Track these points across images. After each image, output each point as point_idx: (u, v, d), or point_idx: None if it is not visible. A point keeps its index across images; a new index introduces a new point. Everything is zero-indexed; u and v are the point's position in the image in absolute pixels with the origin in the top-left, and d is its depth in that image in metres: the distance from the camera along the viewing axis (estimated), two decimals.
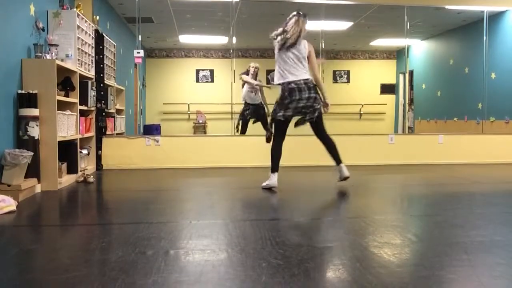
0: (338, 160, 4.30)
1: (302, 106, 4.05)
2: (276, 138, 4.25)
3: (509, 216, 3.20)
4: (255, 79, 7.08)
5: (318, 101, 4.11)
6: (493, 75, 7.46)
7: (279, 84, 4.16)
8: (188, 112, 10.92)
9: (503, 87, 7.29)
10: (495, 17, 7.41)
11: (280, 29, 4.16)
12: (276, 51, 4.20)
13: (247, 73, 7.09)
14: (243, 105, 7.10)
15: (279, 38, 4.16)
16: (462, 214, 3.22)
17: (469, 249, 2.29)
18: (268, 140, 4.41)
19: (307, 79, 4.09)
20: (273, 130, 4.26)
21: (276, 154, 4.21)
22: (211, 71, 11.17)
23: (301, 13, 4.22)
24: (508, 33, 7.28)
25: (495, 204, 3.65)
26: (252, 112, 7.01)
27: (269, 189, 4.16)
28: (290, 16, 4.22)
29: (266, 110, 7.08)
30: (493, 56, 7.39)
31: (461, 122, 8.37)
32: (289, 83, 4.07)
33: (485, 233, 2.65)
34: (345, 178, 4.27)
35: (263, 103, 7.11)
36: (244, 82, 7.04)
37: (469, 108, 8.05)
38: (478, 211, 3.37)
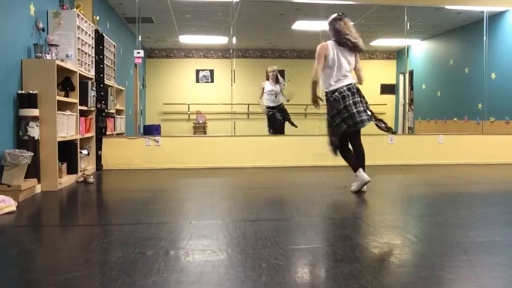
0: (356, 167, 4.10)
1: (361, 110, 3.93)
2: (341, 147, 4.12)
3: (509, 216, 3.20)
4: (276, 81, 7.18)
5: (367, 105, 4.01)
6: (493, 75, 7.46)
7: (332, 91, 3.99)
8: (188, 112, 10.92)
9: (503, 87, 7.29)
10: (495, 17, 7.41)
11: (349, 36, 3.98)
12: (329, 55, 3.98)
13: (267, 77, 7.20)
14: (268, 111, 7.19)
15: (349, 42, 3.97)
16: (462, 214, 3.22)
17: (469, 250, 2.29)
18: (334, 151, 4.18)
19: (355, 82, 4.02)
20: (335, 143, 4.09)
21: (347, 158, 4.10)
22: (211, 71, 11.18)
23: (341, 13, 4.11)
24: (508, 33, 7.28)
25: (495, 204, 3.66)
26: (279, 113, 7.13)
27: (364, 185, 4.02)
28: (331, 21, 4.06)
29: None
30: (493, 56, 7.39)
31: (461, 123, 8.37)
32: (343, 89, 3.94)
33: (485, 233, 2.65)
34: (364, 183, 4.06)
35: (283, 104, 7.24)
36: (262, 89, 7.23)
37: (469, 108, 8.05)
38: (478, 211, 3.37)
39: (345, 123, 3.93)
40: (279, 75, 7.25)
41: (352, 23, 4.04)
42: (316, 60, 4.02)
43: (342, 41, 3.99)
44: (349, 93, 3.93)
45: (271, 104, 7.17)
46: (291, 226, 2.94)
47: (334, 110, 3.96)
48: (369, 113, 4.00)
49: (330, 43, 4.05)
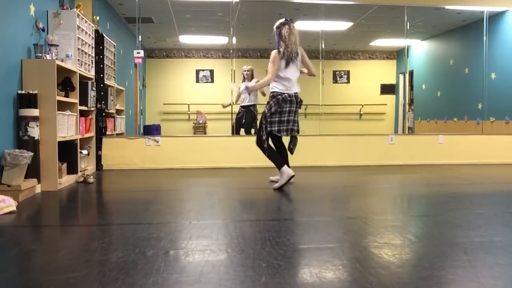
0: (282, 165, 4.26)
1: (293, 119, 4.25)
2: (273, 147, 4.33)
3: (509, 216, 3.20)
4: (250, 81, 7.12)
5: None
6: (493, 75, 7.46)
7: (279, 94, 4.21)
8: (188, 113, 10.92)
9: (503, 87, 7.29)
10: (495, 17, 7.41)
11: (283, 45, 4.18)
12: (278, 63, 4.19)
13: (243, 78, 7.15)
14: (239, 111, 7.16)
15: (284, 53, 4.19)
16: (462, 214, 3.22)
17: (469, 250, 2.29)
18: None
19: (297, 93, 4.28)
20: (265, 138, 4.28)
21: (274, 157, 4.27)
22: (211, 72, 11.18)
23: (289, 19, 4.22)
24: (508, 33, 7.28)
25: (495, 204, 3.66)
26: (245, 114, 7.09)
27: (288, 182, 4.20)
28: (278, 25, 4.20)
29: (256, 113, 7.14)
30: (493, 56, 7.39)
31: (461, 123, 8.37)
32: (289, 95, 4.21)
33: (485, 233, 2.65)
34: (278, 183, 4.21)
35: (255, 104, 7.16)
36: (239, 91, 7.15)
37: (469, 108, 8.06)
38: (478, 211, 3.37)
39: (280, 125, 4.21)
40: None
41: (297, 30, 4.25)
42: (271, 65, 4.21)
43: (280, 47, 4.19)
44: (295, 101, 4.24)
45: (244, 103, 7.08)
46: (291, 226, 2.94)
47: (277, 107, 4.18)
48: (296, 126, 4.31)
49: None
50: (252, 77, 7.10)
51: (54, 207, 3.67)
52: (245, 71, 7.14)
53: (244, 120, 7.10)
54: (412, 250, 2.34)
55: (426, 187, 4.72)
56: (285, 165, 4.21)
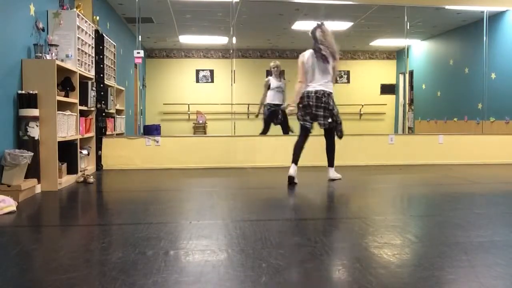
0: (330, 163, 4.79)
1: (320, 114, 4.49)
2: (301, 136, 4.66)
3: (509, 216, 3.21)
4: (279, 78, 7.03)
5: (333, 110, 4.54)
6: (493, 75, 7.46)
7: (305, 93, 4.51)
8: (188, 113, 10.93)
9: (503, 87, 7.29)
10: (495, 17, 7.41)
11: (322, 47, 4.44)
12: (306, 62, 4.51)
13: (270, 73, 7.07)
14: (268, 108, 7.00)
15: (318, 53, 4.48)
16: (462, 214, 3.22)
17: (468, 250, 2.29)
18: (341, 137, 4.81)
19: (327, 91, 4.48)
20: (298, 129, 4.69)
21: (296, 149, 4.60)
22: (211, 71, 11.19)
23: (320, 23, 4.50)
24: (508, 33, 7.28)
25: (495, 204, 3.66)
26: (281, 112, 6.94)
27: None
28: (312, 30, 4.49)
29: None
30: (493, 56, 7.39)
31: (461, 122, 8.38)
32: (310, 92, 4.46)
33: (485, 233, 2.65)
34: (331, 180, 4.76)
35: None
36: (268, 85, 7.01)
37: (469, 108, 8.06)
38: (478, 211, 3.37)
39: (304, 119, 4.56)
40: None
41: (330, 31, 4.54)
42: (298, 71, 4.62)
43: (316, 49, 4.49)
44: (315, 96, 4.45)
45: (277, 102, 6.94)
46: (291, 226, 2.94)
47: (302, 104, 4.54)
48: (327, 121, 4.52)
49: (309, 52, 4.55)
50: (280, 73, 7.03)
51: (54, 207, 3.67)
52: (273, 67, 7.00)
53: (282, 119, 6.94)
54: (412, 250, 2.34)
55: (426, 187, 4.71)
56: (293, 164, 4.52)
